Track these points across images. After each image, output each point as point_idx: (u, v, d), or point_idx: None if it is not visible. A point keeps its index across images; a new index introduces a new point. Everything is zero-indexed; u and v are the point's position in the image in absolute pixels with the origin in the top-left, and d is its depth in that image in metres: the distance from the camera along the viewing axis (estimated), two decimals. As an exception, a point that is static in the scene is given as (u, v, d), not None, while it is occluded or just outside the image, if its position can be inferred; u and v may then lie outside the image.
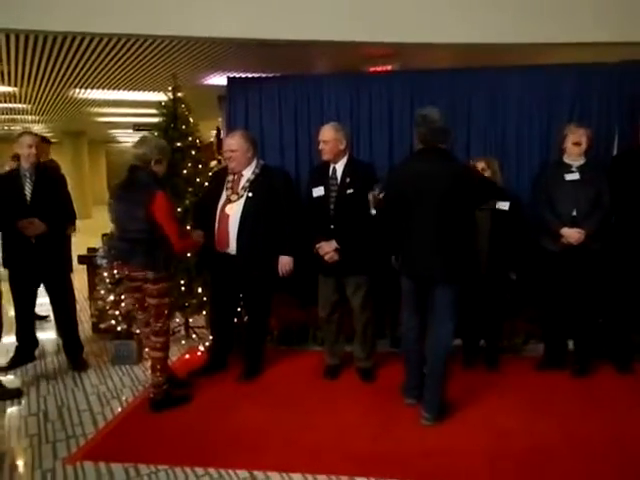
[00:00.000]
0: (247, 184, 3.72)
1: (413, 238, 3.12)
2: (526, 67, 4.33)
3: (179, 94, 4.33)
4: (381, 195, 3.22)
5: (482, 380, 3.73)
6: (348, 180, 3.64)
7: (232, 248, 3.70)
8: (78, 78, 5.75)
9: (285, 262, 3.76)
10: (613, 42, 3.81)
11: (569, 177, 3.65)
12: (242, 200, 3.69)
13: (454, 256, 3.06)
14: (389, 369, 3.87)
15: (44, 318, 5.12)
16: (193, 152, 4.35)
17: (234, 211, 3.69)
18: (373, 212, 3.35)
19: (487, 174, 3.69)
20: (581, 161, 3.67)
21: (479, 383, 3.68)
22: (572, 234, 3.58)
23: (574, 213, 3.60)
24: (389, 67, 5.07)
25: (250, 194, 3.69)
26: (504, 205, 3.75)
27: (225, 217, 3.71)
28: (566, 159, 3.71)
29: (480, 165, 3.73)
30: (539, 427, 3.12)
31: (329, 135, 3.64)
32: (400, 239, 3.21)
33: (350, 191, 3.62)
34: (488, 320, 3.93)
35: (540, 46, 3.92)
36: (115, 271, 4.18)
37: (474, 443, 2.98)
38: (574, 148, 3.65)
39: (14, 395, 3.66)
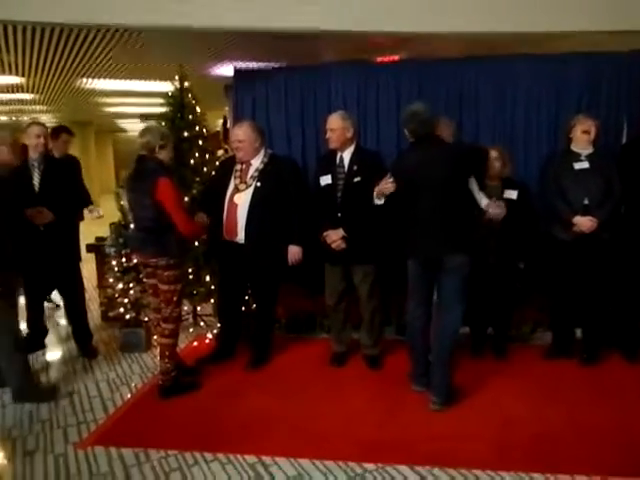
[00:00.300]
0: (256, 174, 3.73)
1: (420, 222, 3.17)
2: (534, 55, 4.30)
3: (186, 84, 4.32)
4: (390, 181, 3.23)
5: (490, 368, 3.74)
6: (355, 168, 3.64)
7: (240, 237, 3.72)
8: (85, 68, 5.75)
9: (294, 252, 3.77)
10: (618, 30, 3.78)
11: (578, 166, 3.63)
12: (250, 189, 3.70)
13: (459, 230, 3.14)
14: (395, 356, 3.89)
15: (59, 306, 5.14)
16: (200, 142, 4.35)
17: (242, 200, 3.70)
18: (378, 202, 3.36)
19: (498, 163, 3.69)
20: (590, 150, 3.65)
21: (487, 371, 3.69)
22: (584, 222, 3.56)
23: (586, 201, 3.58)
24: (396, 57, 5.05)
25: (259, 184, 3.70)
26: (512, 194, 3.75)
27: (234, 206, 3.72)
28: (574, 148, 3.69)
29: (494, 154, 3.69)
30: (546, 414, 3.14)
31: (336, 123, 3.64)
32: (407, 225, 3.24)
33: (357, 179, 3.62)
34: (496, 308, 3.93)
35: (546, 34, 3.89)
36: (124, 259, 4.21)
37: (481, 429, 3.00)
38: (583, 136, 3.63)
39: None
